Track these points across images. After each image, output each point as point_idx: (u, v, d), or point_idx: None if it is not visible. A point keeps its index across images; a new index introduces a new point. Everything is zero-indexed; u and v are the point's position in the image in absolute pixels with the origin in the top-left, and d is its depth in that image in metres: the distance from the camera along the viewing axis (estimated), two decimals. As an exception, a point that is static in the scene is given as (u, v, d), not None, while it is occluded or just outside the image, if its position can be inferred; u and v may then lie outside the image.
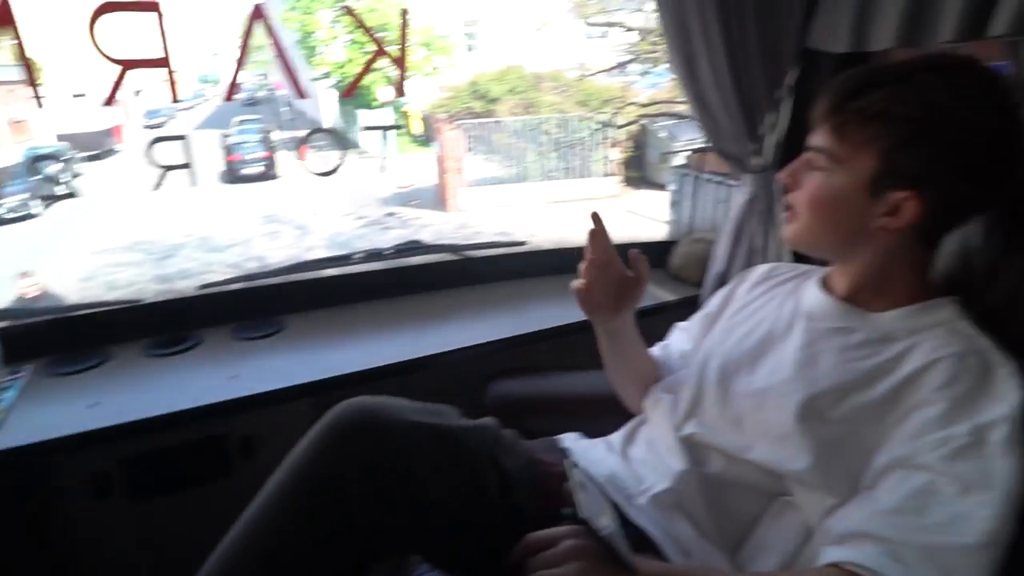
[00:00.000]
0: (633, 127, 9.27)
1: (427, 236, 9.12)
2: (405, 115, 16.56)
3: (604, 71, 9.09)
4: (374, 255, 1.67)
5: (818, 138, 0.79)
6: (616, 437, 1.01)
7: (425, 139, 13.39)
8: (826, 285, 0.88)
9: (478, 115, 9.67)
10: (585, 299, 0.96)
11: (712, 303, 1.05)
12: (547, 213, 9.49)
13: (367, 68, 1.37)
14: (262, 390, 1.23)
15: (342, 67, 15.41)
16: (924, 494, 0.65)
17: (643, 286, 0.96)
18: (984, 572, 0.61)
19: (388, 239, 9.01)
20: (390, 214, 10.29)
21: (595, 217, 0.94)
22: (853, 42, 1.17)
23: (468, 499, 0.83)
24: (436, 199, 10.47)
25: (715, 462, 0.85)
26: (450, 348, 1.40)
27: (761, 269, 1.03)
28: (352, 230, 9.68)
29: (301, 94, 1.63)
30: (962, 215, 0.78)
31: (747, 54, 1.30)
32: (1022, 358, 0.72)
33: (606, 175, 9.79)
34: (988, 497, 0.63)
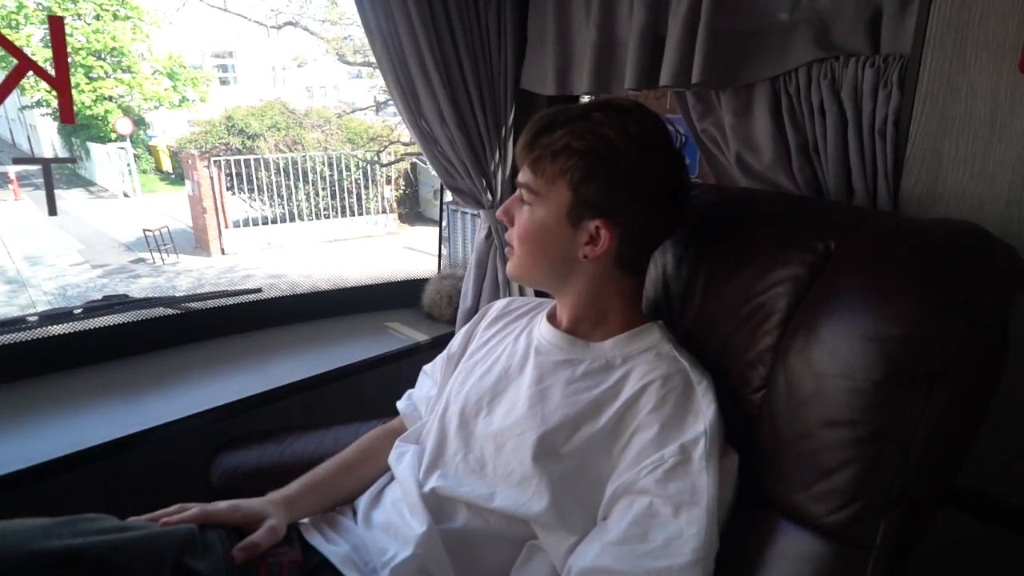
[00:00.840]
0: (403, 164, 9.37)
1: (186, 283, 8.18)
2: (152, 150, 14.79)
3: (363, 109, 9.06)
4: (60, 315, 1.36)
5: (521, 175, 0.82)
6: (362, 501, 0.92)
7: (177, 177, 12.03)
8: (553, 318, 0.90)
9: (238, 152, 8.94)
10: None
11: (454, 343, 1.02)
12: (322, 252, 9.09)
13: (9, 85, 1.11)
14: None
15: (65, 94, 13.20)
16: (646, 518, 0.68)
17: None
18: None
19: (137, 289, 7.92)
20: (138, 260, 8.99)
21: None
22: (559, 86, 1.26)
23: None
24: (195, 242, 9.41)
25: (460, 515, 0.80)
26: (171, 419, 1.18)
27: (499, 305, 1.03)
28: (88, 280, 8.25)
29: (68, 118, 1.28)
30: (649, 241, 0.85)
31: (467, 91, 1.32)
32: (711, 373, 0.79)
33: (382, 212, 9.72)
34: (695, 513, 0.66)
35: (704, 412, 0.73)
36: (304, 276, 8.10)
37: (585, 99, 1.35)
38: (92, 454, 1.10)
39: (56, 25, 1.12)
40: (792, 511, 0.70)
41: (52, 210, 1.29)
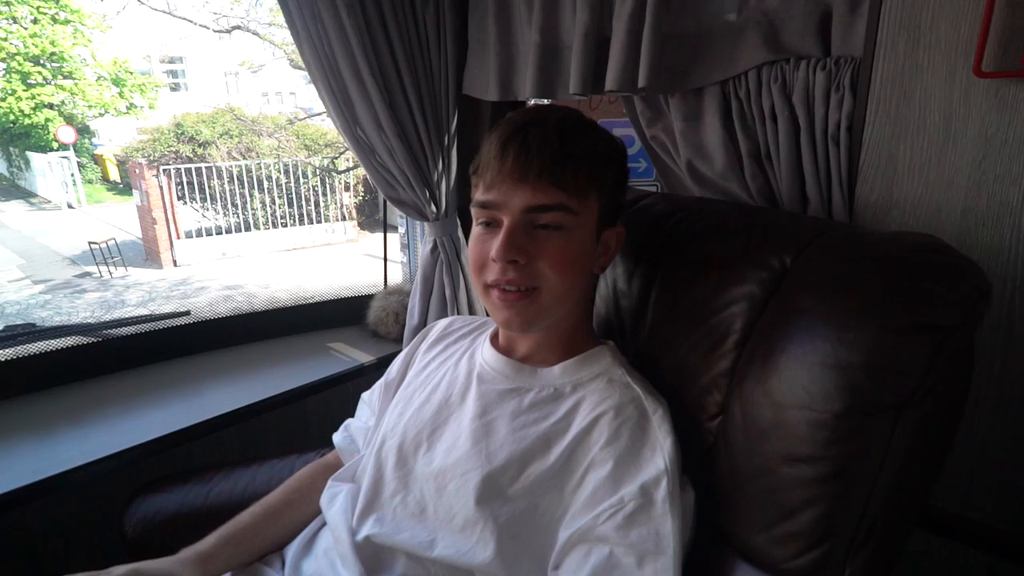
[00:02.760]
0: (361, 171, 9.16)
1: (136, 296, 7.88)
2: (98, 159, 14.26)
3: (319, 114, 8.83)
4: None
5: (540, 196, 0.69)
6: (292, 549, 0.83)
7: (124, 186, 11.60)
8: (497, 343, 0.82)
9: (189, 160, 8.62)
10: None
11: (392, 368, 0.95)
12: (281, 262, 8.85)
13: None
14: None
15: (2, 100, 12.68)
16: (606, 570, 0.61)
17: None
18: None
19: (83, 305, 7.57)
20: (84, 275, 8.61)
21: None
22: (502, 92, 1.19)
23: None
24: (145, 254, 9.05)
25: (398, 566, 0.73)
26: (84, 461, 1.07)
27: (440, 325, 0.96)
28: (29, 297, 7.86)
29: None
30: None
31: (407, 99, 1.24)
32: (666, 396, 0.74)
33: (341, 219, 9.52)
34: (662, 564, 0.61)
35: (661, 445, 0.67)
36: (262, 286, 7.91)
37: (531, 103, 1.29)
38: None
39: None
40: (752, 553, 0.65)
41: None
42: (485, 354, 0.82)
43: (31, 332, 1.30)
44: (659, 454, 0.66)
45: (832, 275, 0.64)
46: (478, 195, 0.73)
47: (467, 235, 1.26)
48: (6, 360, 1.27)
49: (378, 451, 0.81)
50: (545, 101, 1.20)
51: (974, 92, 0.73)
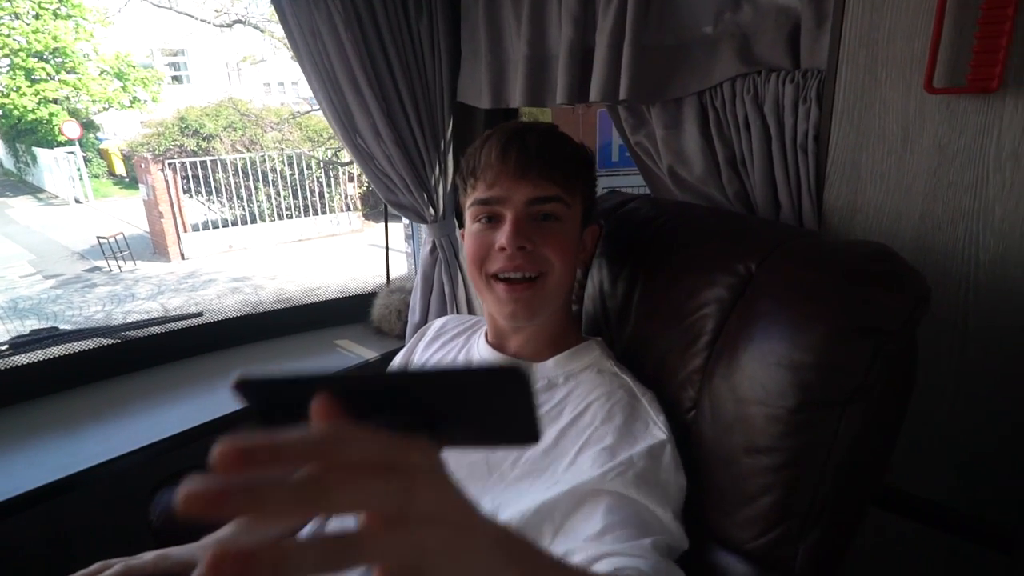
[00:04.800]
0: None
1: (146, 290, 7.97)
2: (104, 153, 14.32)
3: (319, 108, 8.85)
4: None
5: (540, 189, 0.76)
6: (305, 533, 0.90)
7: (130, 180, 11.67)
8: (490, 341, 0.88)
9: (193, 153, 8.69)
10: None
11: (393, 366, 1.01)
12: (287, 253, 8.93)
13: None
14: None
15: (6, 96, 12.74)
16: (620, 506, 0.63)
17: None
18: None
19: (94, 299, 7.68)
20: (93, 269, 8.71)
21: None
22: (494, 100, 1.24)
23: None
24: (153, 248, 9.15)
25: None
26: (110, 456, 1.14)
27: (435, 325, 1.02)
28: (41, 292, 7.97)
29: None
30: None
31: (403, 105, 1.30)
32: (653, 389, 0.79)
33: (346, 210, 9.57)
34: (669, 517, 0.63)
35: (655, 420, 0.72)
36: (269, 278, 7.98)
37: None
38: (28, 499, 1.05)
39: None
40: (722, 537, 0.71)
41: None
42: (481, 350, 0.88)
43: (55, 335, 1.38)
44: (656, 427, 0.71)
45: (790, 282, 0.70)
46: (478, 194, 0.79)
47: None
48: (34, 362, 1.35)
49: None
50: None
51: (928, 105, 0.78)
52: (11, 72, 12.29)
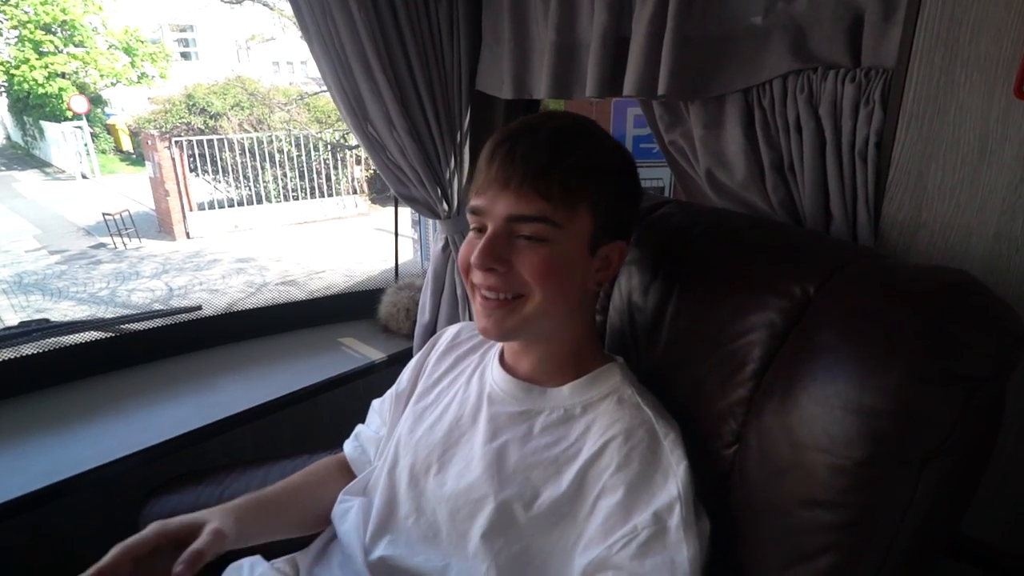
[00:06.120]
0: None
1: (151, 268, 7.95)
2: (111, 129, 14.25)
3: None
4: None
5: (521, 206, 0.67)
6: (306, 557, 0.83)
7: (137, 157, 11.60)
8: (505, 362, 0.81)
9: (200, 131, 8.59)
10: None
11: (403, 378, 0.94)
12: (292, 235, 8.87)
13: None
14: None
15: (16, 68, 12.66)
16: None
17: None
18: None
19: (98, 276, 7.66)
20: (99, 245, 8.68)
21: None
22: (516, 90, 1.16)
23: None
24: (158, 225, 9.10)
25: None
26: (103, 462, 1.08)
27: (449, 332, 0.95)
28: (46, 268, 7.95)
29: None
30: None
31: (418, 94, 1.21)
32: (680, 419, 0.72)
33: (352, 193, 9.48)
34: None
35: (674, 471, 0.66)
36: (274, 259, 7.93)
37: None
38: (13, 507, 1.00)
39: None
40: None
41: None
42: (495, 374, 0.81)
43: (45, 328, 1.31)
44: (672, 480, 0.65)
45: (858, 311, 0.61)
46: (471, 200, 0.72)
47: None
48: (21, 357, 1.28)
49: (391, 470, 0.81)
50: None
51: (1014, 112, 0.70)
52: (19, 44, 12.20)
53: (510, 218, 0.68)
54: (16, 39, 12.19)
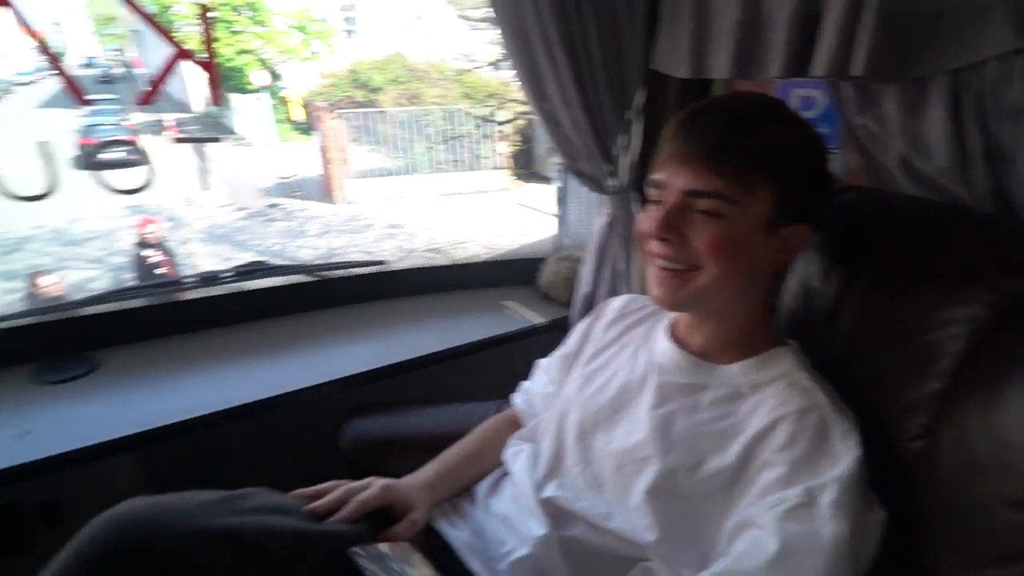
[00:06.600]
0: (520, 121, 9.28)
1: (314, 228, 8.74)
2: (284, 101, 15.68)
3: (485, 65, 9.00)
4: (210, 279, 1.50)
5: (698, 181, 0.71)
6: (482, 487, 0.95)
7: (306, 127, 12.73)
8: (675, 335, 0.85)
9: (360, 104, 9.28)
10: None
11: (570, 342, 1.01)
12: (439, 205, 9.35)
13: (167, 70, 1.22)
14: (63, 449, 1.06)
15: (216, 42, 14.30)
16: (753, 551, 0.64)
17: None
18: None
19: (272, 232, 8.58)
20: (273, 205, 9.73)
21: None
22: (694, 69, 1.16)
23: None
24: (322, 190, 10.01)
25: (577, 527, 0.81)
26: (304, 385, 1.28)
27: (616, 303, 1.00)
28: (232, 222, 9.07)
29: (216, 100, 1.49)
30: None
31: (593, 72, 1.25)
32: (857, 408, 0.72)
33: (496, 168, 9.77)
34: (810, 564, 0.62)
35: (842, 458, 0.66)
36: (423, 227, 8.41)
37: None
38: (229, 414, 1.20)
39: (200, 14, 1.23)
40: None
41: (205, 186, 1.44)
42: (665, 346, 0.85)
43: (268, 268, 1.56)
44: (836, 465, 0.66)
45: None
46: (652, 173, 0.76)
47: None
48: (238, 292, 1.53)
49: (560, 421, 0.89)
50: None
51: None
52: (216, 25, 13.76)
53: (687, 192, 0.72)
54: (214, 21, 13.75)
